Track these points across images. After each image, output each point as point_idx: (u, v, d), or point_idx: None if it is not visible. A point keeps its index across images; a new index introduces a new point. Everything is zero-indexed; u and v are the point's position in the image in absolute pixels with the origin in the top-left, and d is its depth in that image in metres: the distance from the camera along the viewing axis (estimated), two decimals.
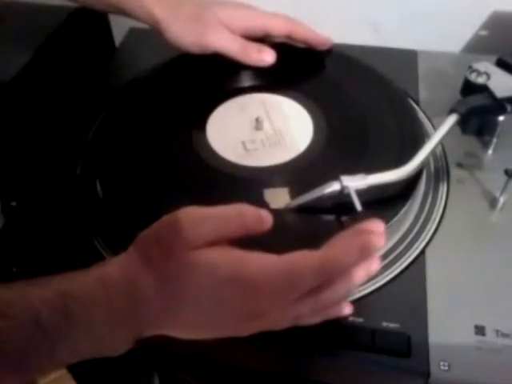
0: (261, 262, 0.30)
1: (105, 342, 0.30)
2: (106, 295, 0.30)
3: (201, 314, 0.30)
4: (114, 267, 0.31)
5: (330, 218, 0.41)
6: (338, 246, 0.32)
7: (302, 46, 0.54)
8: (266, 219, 0.32)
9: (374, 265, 0.33)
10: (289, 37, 0.52)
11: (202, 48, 0.49)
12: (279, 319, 0.32)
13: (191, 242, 0.30)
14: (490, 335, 0.36)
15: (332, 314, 0.34)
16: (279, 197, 0.41)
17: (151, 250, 0.31)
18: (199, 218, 0.31)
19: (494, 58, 0.49)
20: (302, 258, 0.30)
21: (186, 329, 0.32)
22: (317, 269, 0.30)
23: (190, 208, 0.31)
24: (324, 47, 0.53)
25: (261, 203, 0.41)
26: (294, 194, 0.41)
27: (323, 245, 0.33)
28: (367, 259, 0.32)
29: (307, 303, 0.32)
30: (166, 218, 0.31)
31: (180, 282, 0.30)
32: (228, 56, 0.50)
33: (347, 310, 0.35)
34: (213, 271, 0.30)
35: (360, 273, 0.32)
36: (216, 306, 0.30)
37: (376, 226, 0.34)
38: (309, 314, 0.33)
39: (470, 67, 0.48)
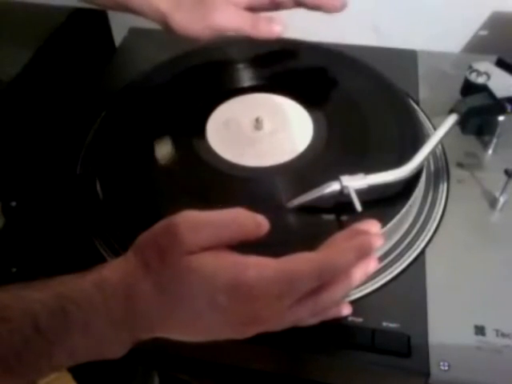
0: (258, 267, 0.30)
1: (102, 345, 0.30)
2: (104, 299, 0.30)
3: (199, 318, 0.30)
4: (112, 271, 0.31)
5: (330, 217, 0.41)
6: (335, 247, 0.32)
7: (306, 45, 0.53)
8: (263, 224, 0.32)
9: (372, 265, 0.33)
10: (298, 2, 0.49)
11: (210, 30, 0.48)
12: (278, 322, 0.32)
13: (188, 248, 0.30)
14: (490, 335, 0.36)
15: (331, 314, 0.34)
16: (163, 147, 0.43)
17: (149, 255, 0.31)
18: (196, 224, 0.31)
19: (493, 58, 0.49)
20: (299, 262, 0.30)
21: (185, 332, 0.32)
22: (315, 272, 0.30)
23: (187, 212, 0.31)
24: (337, 10, 0.50)
25: (261, 204, 0.41)
26: (292, 194, 0.41)
27: (321, 245, 0.33)
28: (365, 259, 0.32)
29: (306, 305, 0.32)
30: (163, 223, 0.31)
31: (177, 287, 0.30)
32: (238, 33, 0.48)
33: (346, 310, 0.35)
34: (210, 277, 0.30)
35: (358, 273, 0.32)
36: (214, 311, 0.30)
37: (372, 226, 0.33)
38: (308, 316, 0.33)
39: (470, 67, 0.48)
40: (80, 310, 0.29)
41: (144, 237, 0.32)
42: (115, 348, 0.31)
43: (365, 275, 0.33)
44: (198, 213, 0.31)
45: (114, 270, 0.31)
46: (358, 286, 0.39)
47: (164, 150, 0.47)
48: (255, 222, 0.32)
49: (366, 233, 0.33)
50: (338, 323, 0.37)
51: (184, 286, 0.30)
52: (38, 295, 0.29)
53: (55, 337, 0.29)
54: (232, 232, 0.31)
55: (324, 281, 0.31)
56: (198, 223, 0.31)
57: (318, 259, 0.31)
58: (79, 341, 0.29)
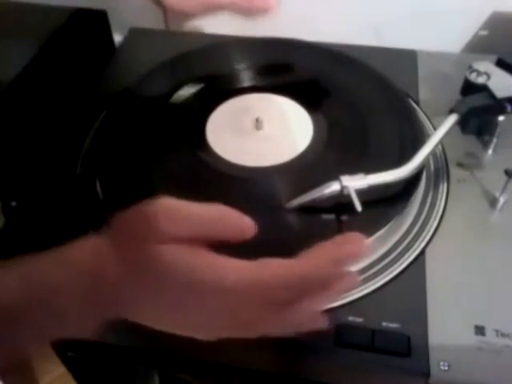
0: (237, 270, 0.29)
1: (70, 324, 0.30)
2: (69, 279, 0.29)
3: (165, 309, 0.30)
4: (82, 251, 0.30)
5: (330, 217, 0.41)
6: (316, 257, 0.31)
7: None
8: (250, 227, 0.31)
9: (351, 281, 0.32)
10: None
11: (204, 6, 0.47)
12: (247, 329, 0.31)
13: (165, 236, 0.29)
14: (490, 335, 0.36)
15: (307, 325, 0.32)
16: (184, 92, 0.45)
17: (123, 237, 0.30)
18: (176, 215, 0.30)
19: (494, 58, 0.49)
20: (275, 272, 0.29)
21: (153, 321, 0.31)
22: (291, 283, 0.29)
23: (167, 200, 0.30)
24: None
25: (261, 204, 0.41)
26: (292, 194, 0.41)
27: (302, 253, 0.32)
28: (344, 273, 0.31)
29: (281, 314, 0.30)
30: (142, 207, 0.30)
31: (146, 273, 0.29)
32: (232, 8, 0.47)
33: (322, 322, 0.33)
34: (186, 273, 0.29)
35: (336, 286, 0.31)
36: (180, 307, 0.29)
37: (356, 239, 0.32)
38: (283, 325, 0.31)
39: (470, 67, 0.48)
40: (48, 292, 0.29)
41: (122, 218, 0.31)
42: (84, 327, 0.31)
43: (343, 290, 0.32)
44: (180, 203, 0.30)
45: (84, 251, 0.30)
46: (357, 286, 0.39)
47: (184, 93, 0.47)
48: (242, 224, 0.31)
49: (349, 244, 0.32)
50: (338, 323, 0.37)
51: (152, 274, 0.29)
52: (3, 278, 0.29)
53: (21, 320, 0.29)
54: (215, 231, 0.30)
55: (301, 290, 0.30)
56: (178, 214, 0.30)
57: (296, 270, 0.30)
58: (47, 322, 0.29)
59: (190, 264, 0.29)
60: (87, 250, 0.30)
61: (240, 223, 0.31)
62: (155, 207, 0.30)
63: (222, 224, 0.31)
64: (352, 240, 0.32)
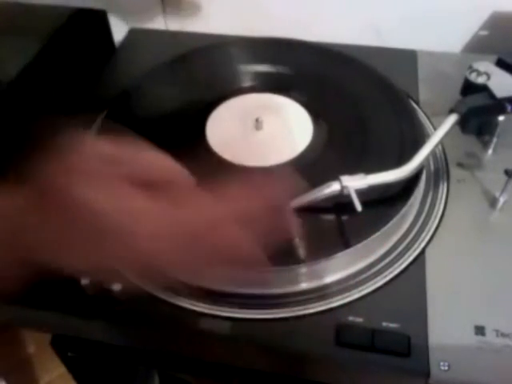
0: (153, 218, 0.29)
1: None
2: None
3: (82, 255, 0.29)
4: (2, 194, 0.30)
5: (330, 217, 0.41)
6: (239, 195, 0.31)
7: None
8: (179, 171, 0.32)
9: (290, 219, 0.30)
10: None
11: None
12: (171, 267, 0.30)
13: (89, 174, 0.29)
14: (490, 335, 0.36)
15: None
16: None
17: (45, 178, 0.29)
18: (102, 152, 0.30)
19: (494, 58, 0.49)
20: (197, 214, 0.30)
21: (74, 266, 0.30)
22: (212, 224, 0.29)
23: (95, 139, 0.31)
24: None
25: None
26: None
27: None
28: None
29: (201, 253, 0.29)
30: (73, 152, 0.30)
31: (63, 212, 0.28)
32: None
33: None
34: (101, 213, 0.28)
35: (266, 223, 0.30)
36: (98, 252, 0.28)
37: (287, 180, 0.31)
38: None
39: (470, 67, 0.48)
40: None
41: (45, 174, 0.30)
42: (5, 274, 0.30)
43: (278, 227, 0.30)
44: (107, 142, 0.31)
45: (4, 195, 0.29)
46: (357, 286, 0.39)
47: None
48: (168, 164, 0.32)
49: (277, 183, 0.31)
50: (338, 323, 0.37)
51: (69, 214, 0.28)
52: None
53: None
54: (141, 171, 0.31)
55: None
56: (103, 151, 0.31)
57: (221, 206, 0.30)
58: None
59: (110, 206, 0.28)
60: (7, 194, 0.29)
61: (165, 162, 0.32)
62: (78, 149, 0.30)
63: (146, 163, 0.32)
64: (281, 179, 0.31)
